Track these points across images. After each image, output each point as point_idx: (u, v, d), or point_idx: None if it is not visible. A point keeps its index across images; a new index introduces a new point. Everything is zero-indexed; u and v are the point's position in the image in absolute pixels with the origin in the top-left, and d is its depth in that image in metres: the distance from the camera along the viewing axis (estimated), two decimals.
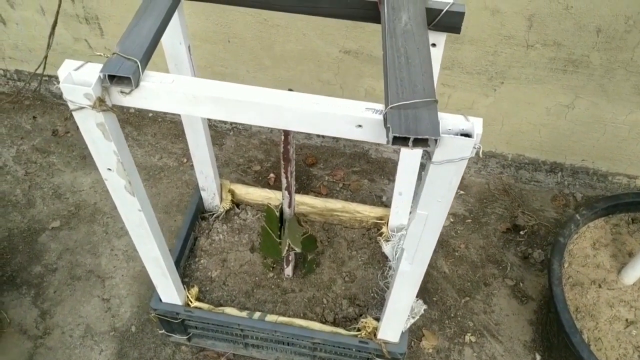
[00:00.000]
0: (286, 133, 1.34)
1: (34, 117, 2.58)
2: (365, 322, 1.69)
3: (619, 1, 1.79)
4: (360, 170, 2.43)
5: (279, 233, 1.64)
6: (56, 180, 2.35)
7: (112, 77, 1.03)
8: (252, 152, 2.48)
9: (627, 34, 1.87)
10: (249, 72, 2.32)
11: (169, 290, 1.65)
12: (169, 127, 2.56)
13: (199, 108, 1.06)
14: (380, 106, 1.04)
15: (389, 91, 1.02)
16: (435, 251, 2.03)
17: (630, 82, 2.00)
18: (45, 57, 2.24)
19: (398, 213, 1.87)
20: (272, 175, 2.38)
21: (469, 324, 2.01)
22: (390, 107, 0.99)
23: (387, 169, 2.44)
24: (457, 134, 1.00)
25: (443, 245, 2.19)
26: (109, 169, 1.20)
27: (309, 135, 2.49)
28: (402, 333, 1.63)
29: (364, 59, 2.16)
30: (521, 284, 2.11)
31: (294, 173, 1.47)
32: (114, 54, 1.05)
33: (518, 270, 2.15)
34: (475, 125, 1.01)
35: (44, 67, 2.31)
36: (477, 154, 1.03)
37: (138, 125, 2.56)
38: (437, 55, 1.34)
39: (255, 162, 2.44)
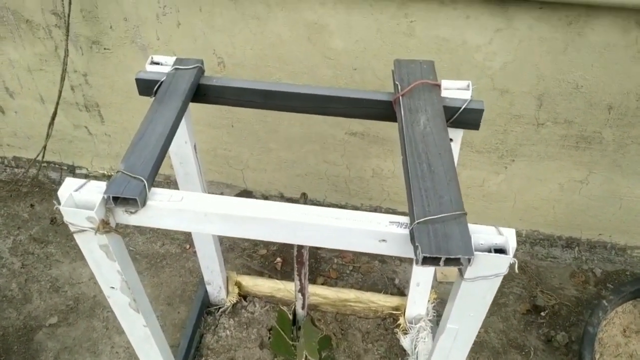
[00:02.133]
0: None
1: (32, 205, 2.51)
2: None
3: (629, 79, 1.76)
4: None
5: (292, 335, 1.54)
6: (54, 272, 2.26)
7: (116, 198, 0.96)
8: None
9: (639, 110, 1.83)
10: (252, 154, 2.28)
11: None
12: None
13: (210, 226, 0.99)
14: (405, 219, 0.97)
15: (414, 204, 0.96)
16: None
17: None
18: (44, 147, 2.20)
19: (416, 303, 1.78)
20: (279, 259, 2.29)
21: None
22: (417, 223, 0.92)
23: None
24: (490, 250, 0.92)
25: None
26: (112, 287, 1.12)
27: None
28: None
29: (370, 140, 2.11)
30: None
31: (307, 274, 1.39)
32: (118, 172, 0.99)
33: (542, 355, 2.03)
34: (509, 238, 0.94)
35: (43, 156, 2.27)
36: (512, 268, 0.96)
37: None
38: (454, 150, 1.28)
39: (260, 246, 2.35)
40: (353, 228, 0.96)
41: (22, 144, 2.50)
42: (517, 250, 2.35)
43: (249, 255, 2.32)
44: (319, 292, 1.88)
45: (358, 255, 2.33)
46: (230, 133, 2.21)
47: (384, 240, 0.97)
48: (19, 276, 2.24)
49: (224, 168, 2.37)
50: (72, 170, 2.56)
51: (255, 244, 2.37)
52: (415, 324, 1.80)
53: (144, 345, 1.30)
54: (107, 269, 1.06)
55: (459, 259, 0.90)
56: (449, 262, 0.89)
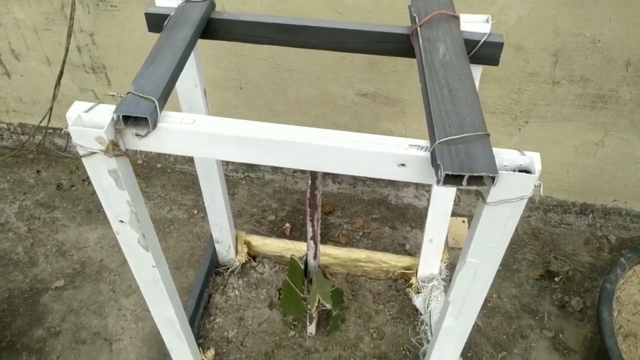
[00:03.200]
0: (314, 177, 1.23)
1: (38, 171, 2.48)
2: None
3: None
4: (381, 217, 2.31)
5: (303, 287, 1.51)
6: (60, 236, 2.23)
7: (126, 119, 0.93)
8: (266, 202, 2.36)
9: None
10: (261, 118, 2.24)
11: (184, 355, 1.51)
12: (178, 178, 2.46)
13: (224, 150, 0.96)
14: (425, 142, 0.94)
15: (435, 125, 0.92)
16: None
17: None
18: (51, 109, 2.17)
19: (428, 262, 1.74)
20: (287, 225, 2.26)
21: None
22: (439, 143, 0.88)
23: (408, 216, 2.31)
24: (514, 170, 0.89)
25: None
26: (121, 221, 1.08)
27: (324, 182, 2.39)
28: None
29: (381, 102, 2.08)
30: (561, 335, 1.95)
31: (319, 221, 1.35)
32: (128, 93, 0.96)
33: (556, 320, 1.99)
34: (534, 159, 0.90)
35: (49, 119, 2.24)
36: (536, 193, 0.92)
37: (146, 177, 2.46)
38: None
39: (269, 212, 2.32)
40: (371, 151, 0.92)
41: (28, 109, 2.47)
42: (529, 216, 2.32)
43: (257, 221, 2.29)
44: (329, 252, 1.85)
45: (368, 221, 2.30)
46: (238, 96, 2.17)
47: (403, 164, 0.93)
48: (25, 240, 2.22)
49: None
50: None
51: (264, 209, 2.33)
52: (428, 283, 1.76)
53: (153, 291, 1.27)
54: (116, 199, 1.03)
55: (482, 178, 0.86)
56: (472, 181, 0.86)
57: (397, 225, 2.29)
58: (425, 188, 2.34)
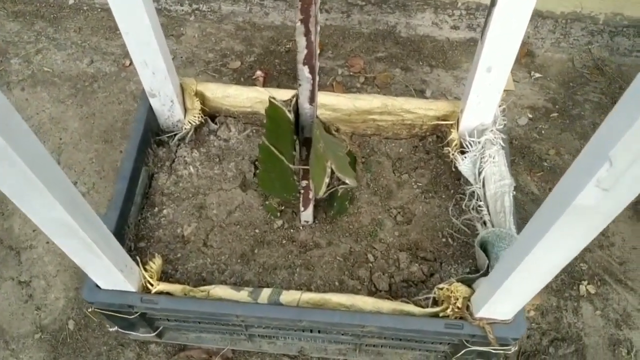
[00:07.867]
0: None
1: None
2: (449, 290, 1.00)
3: None
4: (388, 55, 1.67)
5: (293, 153, 0.90)
6: None
7: None
8: (226, 43, 1.69)
9: None
10: None
11: (107, 274, 0.93)
12: (99, 17, 1.75)
13: None
14: None
15: None
16: (515, 162, 1.35)
17: None
18: None
19: (480, 104, 1.14)
20: (259, 73, 1.61)
21: (582, 267, 1.34)
22: None
23: (425, 51, 1.68)
24: None
25: (524, 153, 1.48)
26: None
27: None
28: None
29: None
30: None
31: (319, 29, 0.70)
32: None
33: None
34: None
35: None
36: None
37: (54, 19, 1.74)
38: None
39: (232, 57, 1.66)
40: None
41: None
42: (590, 43, 1.70)
43: (216, 70, 1.64)
44: (326, 102, 1.23)
45: (371, 62, 1.66)
46: None
47: None
48: None
49: None
50: None
51: (224, 54, 1.67)
52: (479, 138, 1.17)
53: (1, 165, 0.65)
54: None
55: None
56: None
57: (411, 65, 1.65)
58: (448, 11, 1.69)
